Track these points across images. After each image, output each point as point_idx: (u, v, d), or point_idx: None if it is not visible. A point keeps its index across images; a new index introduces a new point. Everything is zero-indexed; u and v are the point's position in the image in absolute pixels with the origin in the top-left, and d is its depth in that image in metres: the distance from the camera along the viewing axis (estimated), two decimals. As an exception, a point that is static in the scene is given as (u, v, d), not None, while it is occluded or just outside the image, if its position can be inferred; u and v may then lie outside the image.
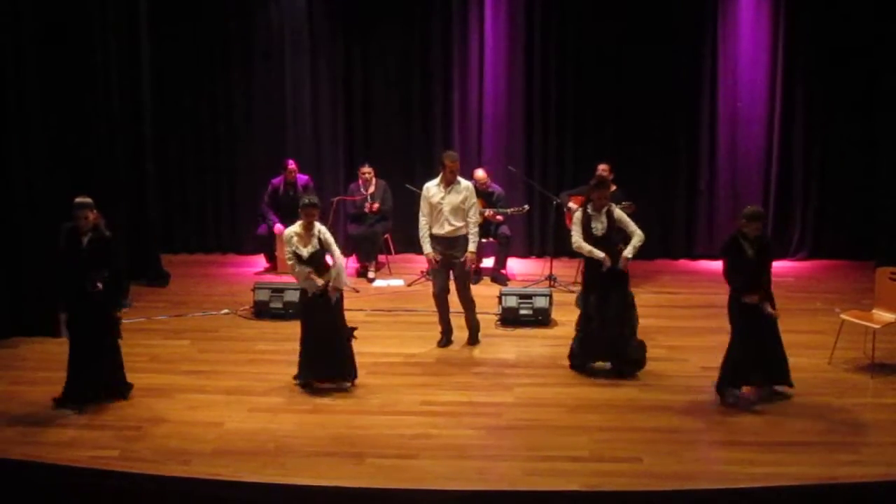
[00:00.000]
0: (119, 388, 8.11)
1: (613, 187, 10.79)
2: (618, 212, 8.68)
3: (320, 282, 8.19)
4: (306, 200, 8.35)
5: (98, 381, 7.98)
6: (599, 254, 8.46)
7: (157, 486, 6.75)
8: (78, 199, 7.76)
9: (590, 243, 8.53)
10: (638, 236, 8.57)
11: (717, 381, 8.09)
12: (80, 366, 7.90)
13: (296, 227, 8.29)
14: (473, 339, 9.58)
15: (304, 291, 8.36)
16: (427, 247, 9.32)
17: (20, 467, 6.92)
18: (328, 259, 8.36)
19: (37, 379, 8.61)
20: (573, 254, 12.36)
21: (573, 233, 8.67)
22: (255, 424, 7.70)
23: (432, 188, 9.30)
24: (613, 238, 8.56)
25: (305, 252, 8.21)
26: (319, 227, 8.31)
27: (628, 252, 8.51)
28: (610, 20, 12.68)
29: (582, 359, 8.78)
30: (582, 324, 8.76)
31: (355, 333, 8.50)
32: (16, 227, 9.60)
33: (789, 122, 12.81)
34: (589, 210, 8.60)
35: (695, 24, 12.71)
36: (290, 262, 8.31)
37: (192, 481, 6.76)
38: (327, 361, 8.37)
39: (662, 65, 12.69)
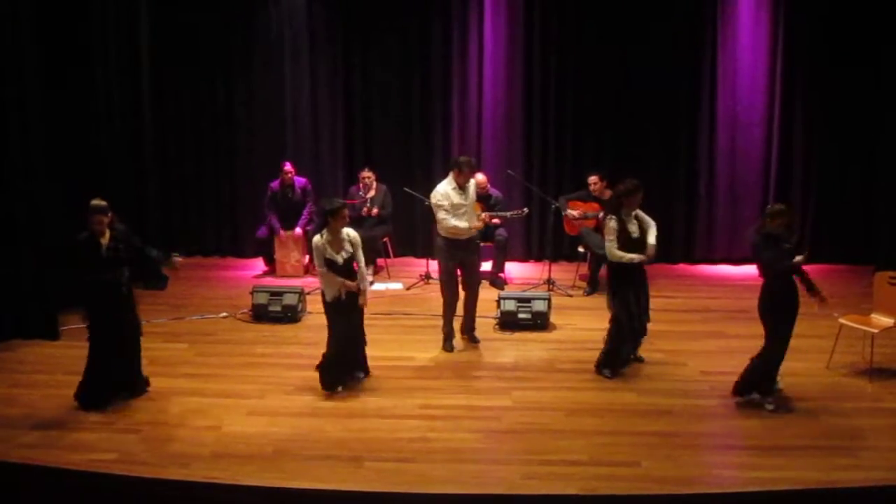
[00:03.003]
0: (139, 385, 8.23)
1: (608, 193, 10.80)
2: (638, 212, 8.75)
3: (353, 284, 8.26)
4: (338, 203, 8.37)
5: (120, 380, 8.04)
6: (637, 256, 8.54)
7: (156, 490, 6.75)
8: (93, 203, 7.75)
9: (629, 246, 8.53)
10: (653, 225, 8.74)
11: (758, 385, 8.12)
12: (102, 367, 7.91)
13: (325, 236, 8.22)
14: (473, 338, 9.73)
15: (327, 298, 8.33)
16: (463, 221, 9.35)
17: (18, 470, 6.92)
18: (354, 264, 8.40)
19: (35, 382, 8.62)
20: (571, 257, 12.51)
21: (608, 243, 8.58)
22: (254, 428, 7.70)
23: (451, 192, 9.28)
24: (645, 238, 8.64)
25: (340, 258, 8.20)
26: (348, 231, 8.30)
27: (651, 240, 8.64)
28: (609, 24, 12.69)
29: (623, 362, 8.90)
30: (625, 325, 8.68)
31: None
32: (15, 230, 9.60)
33: (789, 126, 12.82)
34: (622, 216, 8.60)
35: (694, 27, 12.71)
36: (321, 271, 8.25)
37: (191, 485, 6.76)
38: (351, 360, 8.54)
39: (662, 69, 12.69)
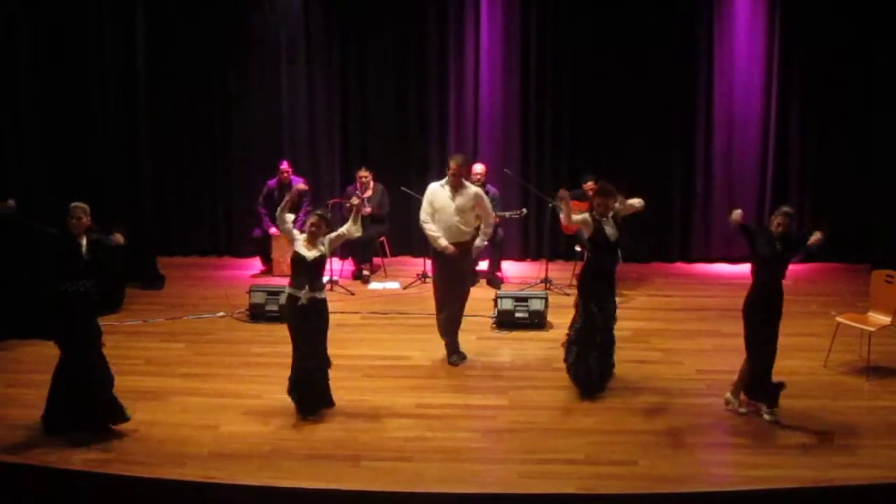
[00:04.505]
0: (113, 413, 7.68)
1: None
2: (615, 210, 8.47)
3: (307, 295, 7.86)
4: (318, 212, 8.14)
5: (88, 402, 7.55)
6: (571, 217, 8.33)
7: (152, 489, 6.75)
8: (75, 203, 7.65)
9: (602, 249, 8.33)
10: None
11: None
12: (68, 385, 7.52)
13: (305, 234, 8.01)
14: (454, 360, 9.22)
15: (291, 303, 7.93)
16: (442, 241, 8.91)
17: (15, 470, 6.91)
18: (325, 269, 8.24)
19: (32, 382, 8.56)
20: (568, 256, 12.49)
21: (580, 231, 8.52)
22: (251, 427, 7.70)
23: (437, 190, 9.07)
24: (622, 243, 8.47)
25: (310, 256, 7.87)
26: (327, 237, 8.06)
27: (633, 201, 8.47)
28: (605, 23, 12.69)
29: (601, 381, 8.50)
30: (588, 340, 8.39)
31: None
32: (9, 230, 9.56)
33: (785, 126, 12.83)
34: (596, 216, 8.37)
35: (691, 27, 12.71)
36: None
37: (188, 484, 6.76)
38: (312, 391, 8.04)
39: (658, 68, 12.69)
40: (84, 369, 7.49)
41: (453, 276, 9.06)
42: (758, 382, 7.90)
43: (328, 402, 8.08)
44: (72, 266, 7.53)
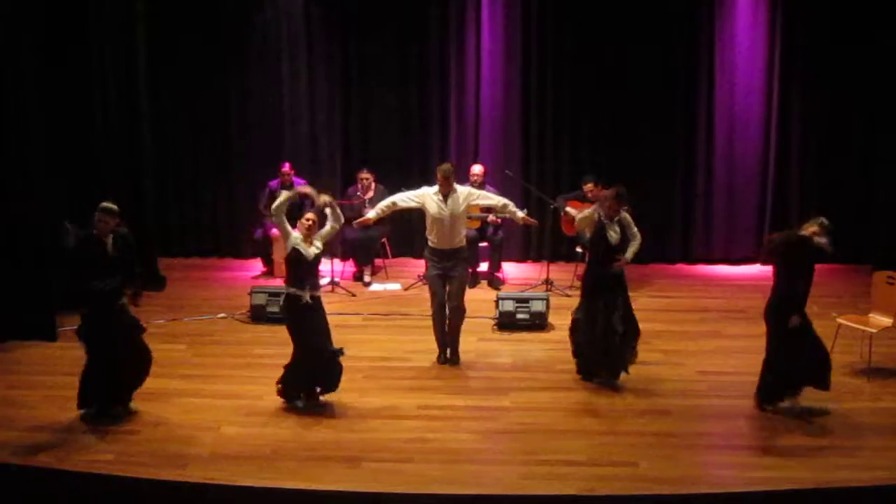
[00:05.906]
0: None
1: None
2: (625, 216, 8.59)
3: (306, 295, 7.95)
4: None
5: (121, 387, 7.90)
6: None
7: (153, 490, 6.75)
8: (104, 204, 7.64)
9: (603, 251, 8.43)
10: (637, 241, 8.59)
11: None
12: (100, 374, 7.75)
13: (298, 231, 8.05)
14: (455, 358, 9.24)
15: (293, 303, 7.99)
16: (372, 214, 9.20)
17: (16, 471, 6.91)
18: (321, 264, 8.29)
19: (33, 383, 8.60)
20: (570, 258, 12.48)
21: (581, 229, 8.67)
22: (252, 428, 7.70)
23: (432, 196, 9.05)
24: (625, 246, 8.53)
25: (311, 254, 7.96)
26: (319, 234, 8.14)
27: (628, 255, 8.52)
28: (606, 23, 12.67)
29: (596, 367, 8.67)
30: (589, 333, 8.53)
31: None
32: (12, 230, 9.58)
33: (786, 125, 12.82)
34: (602, 218, 8.49)
35: (691, 26, 12.70)
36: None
37: (188, 485, 6.76)
38: (319, 370, 8.14)
39: (659, 68, 12.69)
40: (108, 365, 7.72)
41: (451, 281, 9.07)
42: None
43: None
44: (99, 264, 7.60)
